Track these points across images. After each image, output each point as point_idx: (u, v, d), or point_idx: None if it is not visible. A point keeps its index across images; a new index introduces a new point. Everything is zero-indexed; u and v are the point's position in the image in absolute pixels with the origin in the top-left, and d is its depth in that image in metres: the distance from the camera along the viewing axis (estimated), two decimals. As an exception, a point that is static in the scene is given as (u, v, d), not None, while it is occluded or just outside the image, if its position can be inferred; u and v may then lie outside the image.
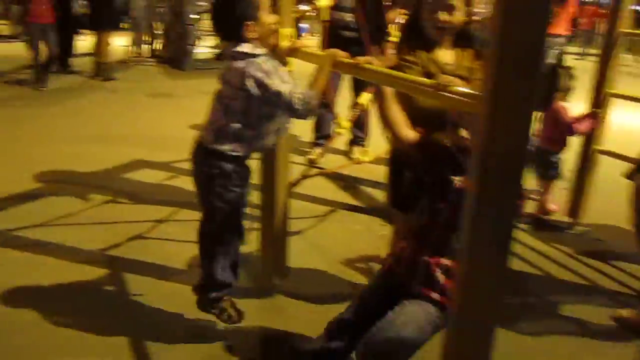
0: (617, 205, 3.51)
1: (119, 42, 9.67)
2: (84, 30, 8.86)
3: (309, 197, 3.84)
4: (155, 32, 10.41)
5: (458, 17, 2.21)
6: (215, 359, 2.27)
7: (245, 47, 2.00)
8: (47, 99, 6.82)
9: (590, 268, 3.14)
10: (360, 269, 3.00)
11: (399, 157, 2.40)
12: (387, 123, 1.97)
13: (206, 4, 9.16)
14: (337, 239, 3.36)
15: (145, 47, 10.38)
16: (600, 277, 3.03)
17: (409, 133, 1.92)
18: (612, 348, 2.44)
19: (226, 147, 2.09)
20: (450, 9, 2.19)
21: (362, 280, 2.85)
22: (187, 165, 4.32)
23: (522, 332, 2.48)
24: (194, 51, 9.35)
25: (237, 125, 2.06)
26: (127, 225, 3.39)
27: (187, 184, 4.06)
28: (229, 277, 2.28)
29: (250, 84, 1.97)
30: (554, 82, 3.53)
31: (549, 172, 3.65)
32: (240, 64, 1.99)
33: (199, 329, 2.42)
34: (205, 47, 10.41)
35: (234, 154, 2.10)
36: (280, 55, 2.19)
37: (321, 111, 4.12)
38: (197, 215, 3.56)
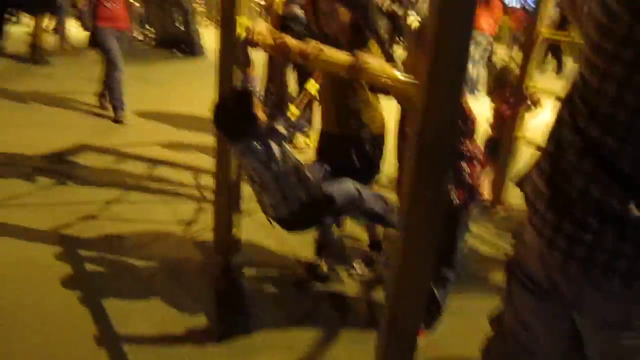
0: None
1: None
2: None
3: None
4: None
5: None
6: (172, 324, 2.44)
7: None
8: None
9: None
10: (306, 246, 3.23)
11: None
12: None
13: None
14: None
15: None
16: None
17: None
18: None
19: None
20: None
21: (309, 256, 3.08)
22: (132, 150, 4.47)
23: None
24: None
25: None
26: (76, 206, 3.46)
27: (133, 167, 4.20)
28: None
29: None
30: (503, 78, 3.93)
31: (493, 155, 4.04)
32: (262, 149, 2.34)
33: (155, 298, 2.59)
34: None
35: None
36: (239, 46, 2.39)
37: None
38: (145, 197, 3.71)
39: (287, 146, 2.43)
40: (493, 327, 1.51)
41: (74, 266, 2.83)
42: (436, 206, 1.63)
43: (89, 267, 2.84)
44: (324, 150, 2.87)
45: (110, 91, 5.44)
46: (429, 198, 1.62)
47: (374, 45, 2.53)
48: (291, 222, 2.53)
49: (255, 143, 2.32)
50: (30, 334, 2.30)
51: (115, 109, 5.45)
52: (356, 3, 2.50)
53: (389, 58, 2.46)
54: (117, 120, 5.41)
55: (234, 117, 2.37)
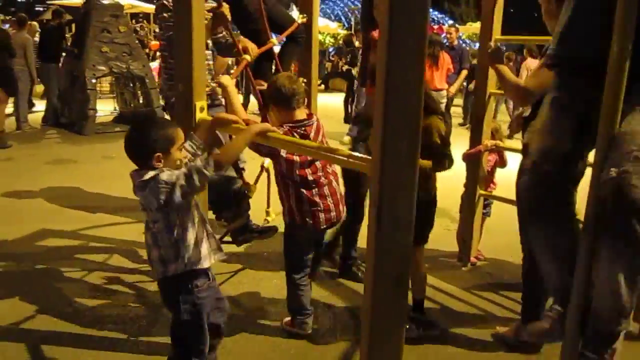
0: (501, 241, 3.95)
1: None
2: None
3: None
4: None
5: None
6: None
7: (148, 175, 2.06)
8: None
9: (482, 299, 3.52)
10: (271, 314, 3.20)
11: None
12: None
13: (105, 68, 9.15)
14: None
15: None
16: (489, 304, 3.42)
17: None
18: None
19: (174, 268, 2.16)
20: None
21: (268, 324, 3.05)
22: (94, 233, 4.37)
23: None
24: (96, 115, 9.22)
25: (170, 250, 2.15)
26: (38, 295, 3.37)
27: (95, 251, 4.09)
28: None
29: (163, 197, 2.03)
30: None
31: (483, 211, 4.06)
32: (148, 189, 2.05)
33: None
34: (104, 110, 10.32)
35: (185, 269, 2.17)
36: (200, 129, 2.38)
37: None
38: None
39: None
40: None
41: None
42: (401, 278, 1.63)
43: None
44: None
45: None
46: (392, 273, 1.62)
47: None
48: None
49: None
50: None
51: None
52: None
53: None
54: None
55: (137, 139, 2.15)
